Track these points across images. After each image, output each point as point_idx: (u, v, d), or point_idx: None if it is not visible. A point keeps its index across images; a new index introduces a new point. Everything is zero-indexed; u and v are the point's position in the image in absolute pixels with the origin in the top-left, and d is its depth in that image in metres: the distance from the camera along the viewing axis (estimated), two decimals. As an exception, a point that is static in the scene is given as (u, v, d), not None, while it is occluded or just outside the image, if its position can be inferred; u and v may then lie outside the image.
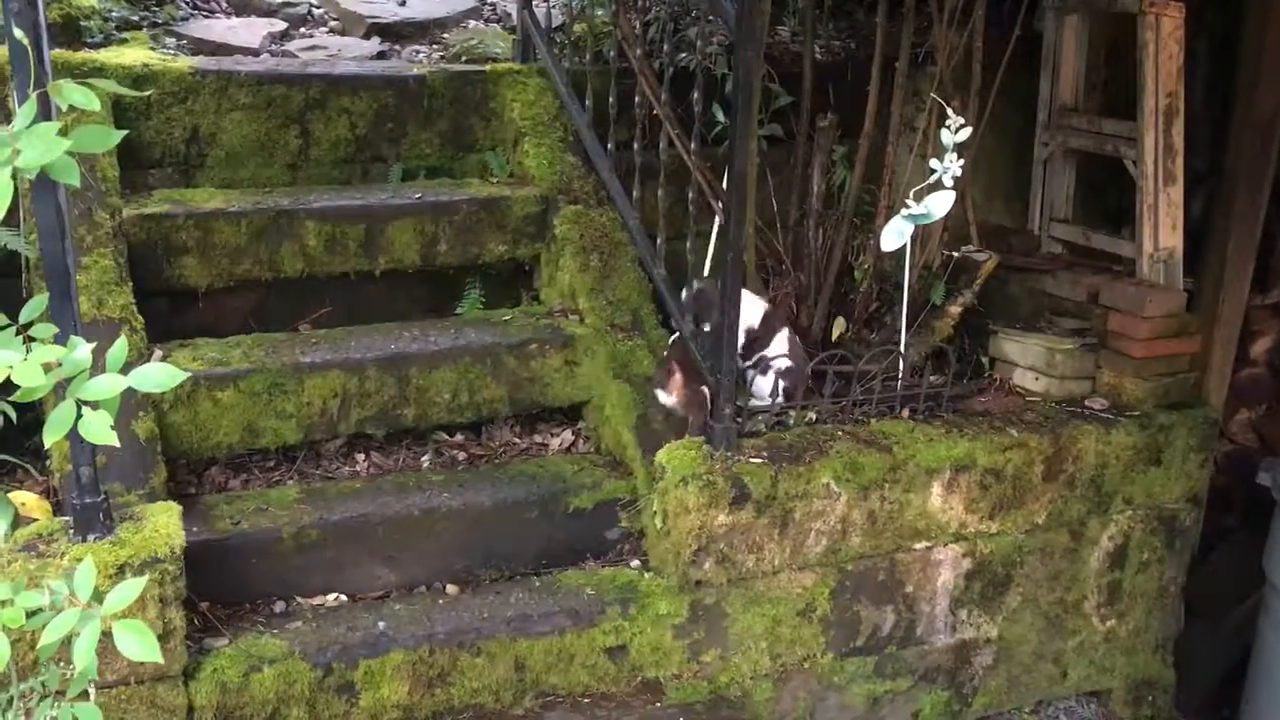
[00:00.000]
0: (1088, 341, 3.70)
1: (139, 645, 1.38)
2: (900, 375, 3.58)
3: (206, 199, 3.37)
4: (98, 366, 1.46)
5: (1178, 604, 3.82)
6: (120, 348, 1.42)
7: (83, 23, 3.75)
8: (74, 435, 2.37)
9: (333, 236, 3.44)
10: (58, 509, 2.77)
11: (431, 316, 3.61)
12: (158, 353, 3.08)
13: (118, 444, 1.44)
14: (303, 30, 4.60)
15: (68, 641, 1.47)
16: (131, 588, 1.44)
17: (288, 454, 3.30)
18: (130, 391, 2.87)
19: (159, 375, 1.43)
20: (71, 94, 1.41)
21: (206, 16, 4.46)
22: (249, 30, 4.29)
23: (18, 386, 1.41)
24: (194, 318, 3.40)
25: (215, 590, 2.89)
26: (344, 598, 3.06)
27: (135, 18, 4.10)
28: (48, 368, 1.38)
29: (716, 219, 3.54)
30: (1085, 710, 3.77)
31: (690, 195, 3.47)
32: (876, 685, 3.47)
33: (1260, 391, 4.30)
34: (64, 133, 1.34)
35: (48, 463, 2.92)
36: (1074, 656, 3.72)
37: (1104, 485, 3.55)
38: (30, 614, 1.46)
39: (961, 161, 3.31)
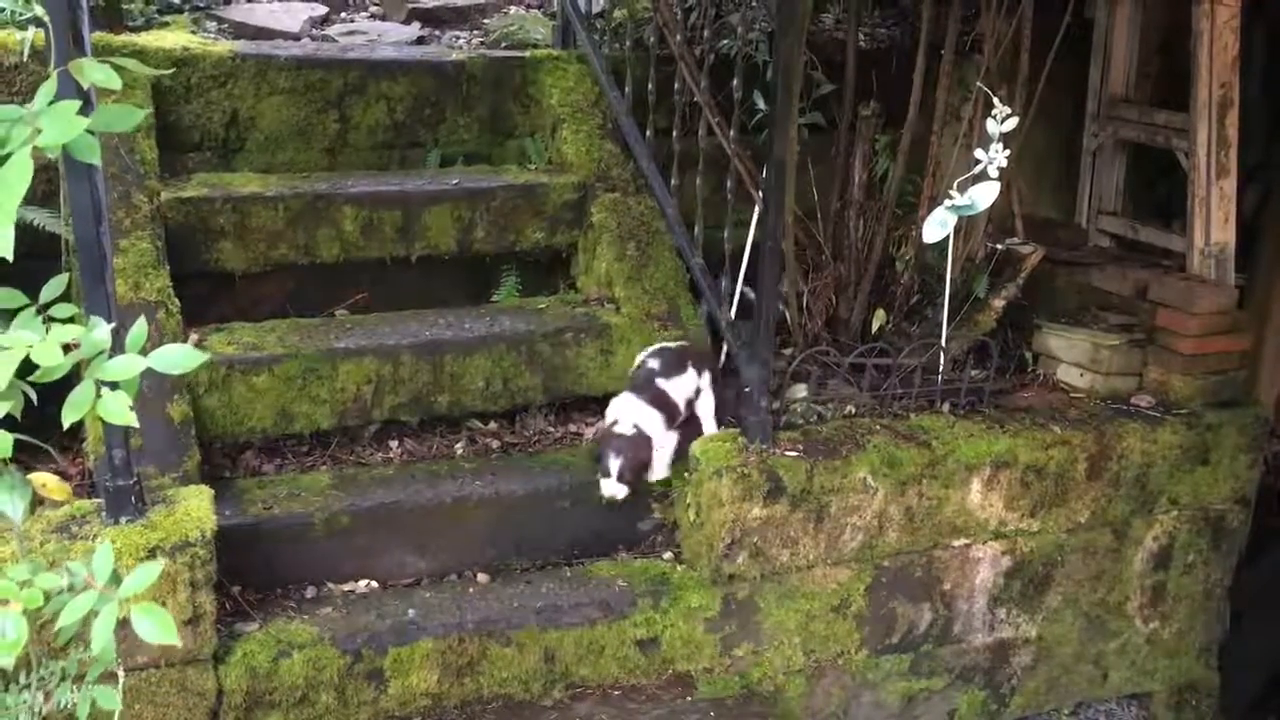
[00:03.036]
0: (1135, 337, 3.61)
1: (155, 628, 1.36)
2: (941, 369, 3.52)
3: (244, 183, 3.37)
4: (119, 348, 1.44)
5: (1223, 606, 3.74)
6: (140, 329, 1.41)
7: (125, 6, 3.76)
8: (106, 417, 2.39)
9: (369, 222, 3.43)
10: (92, 491, 2.78)
11: (467, 303, 3.59)
12: (193, 336, 3.08)
13: (136, 424, 1.43)
14: (343, 15, 4.60)
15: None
16: (150, 571, 1.43)
17: (321, 439, 3.30)
18: (163, 375, 2.90)
19: (178, 357, 1.42)
20: (92, 73, 1.40)
21: (249, 1, 4.47)
22: (289, 15, 4.29)
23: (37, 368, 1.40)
24: (230, 302, 3.40)
25: (246, 574, 2.89)
26: (374, 584, 3.06)
27: (178, 1, 4.12)
28: (67, 348, 1.37)
29: (756, 208, 3.50)
30: (1126, 714, 3.70)
31: (729, 184, 3.43)
32: (912, 683, 3.42)
33: (1313, 391, 4.19)
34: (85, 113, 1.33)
35: (83, 445, 2.93)
36: (1115, 658, 3.64)
37: (1149, 484, 3.47)
38: (50, 597, 1.45)
39: (1007, 152, 3.23)
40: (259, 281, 3.44)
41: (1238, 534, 3.68)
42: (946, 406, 3.46)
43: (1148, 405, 3.53)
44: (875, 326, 3.74)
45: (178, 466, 2.82)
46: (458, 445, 3.42)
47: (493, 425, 3.53)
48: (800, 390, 3.46)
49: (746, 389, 3.17)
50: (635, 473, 3.10)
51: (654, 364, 3.22)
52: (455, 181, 3.58)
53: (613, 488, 3.08)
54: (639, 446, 3.11)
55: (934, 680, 3.45)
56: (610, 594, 3.06)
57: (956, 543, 3.33)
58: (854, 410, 3.41)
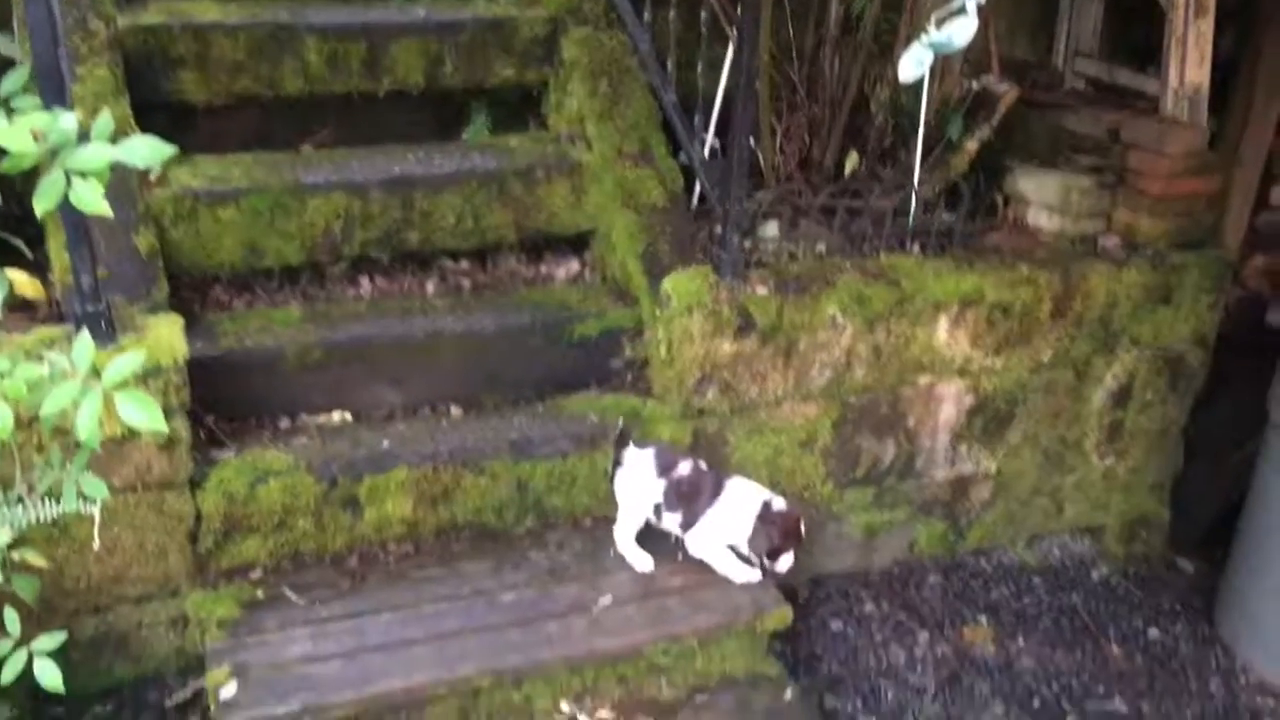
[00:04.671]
0: (1105, 179, 3.63)
1: (142, 414, 1.38)
2: (912, 210, 3.53)
3: (204, 10, 3.26)
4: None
5: (1178, 445, 3.84)
6: (105, 119, 1.38)
7: None
8: (73, 240, 2.38)
9: (334, 54, 3.35)
10: (60, 320, 2.77)
11: (436, 141, 3.53)
12: (156, 167, 3.02)
13: (110, 213, 1.41)
14: None
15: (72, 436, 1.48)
16: (130, 360, 1.44)
17: (291, 276, 3.28)
18: (131, 205, 2.85)
19: (146, 148, 1.40)
20: None
21: None
22: None
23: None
24: (194, 136, 3.32)
25: (220, 405, 2.91)
26: (349, 417, 3.09)
27: None
28: (35, 138, 1.34)
29: (730, 45, 3.44)
30: (1079, 545, 3.83)
31: (703, 19, 3.37)
32: (875, 516, 3.52)
33: (1277, 237, 4.21)
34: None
35: (50, 275, 2.90)
36: (1071, 493, 3.76)
37: (1112, 324, 3.53)
38: (32, 389, 1.46)
39: (985, -14, 3.18)
40: (222, 116, 3.36)
41: (1196, 374, 3.75)
42: (916, 247, 3.49)
43: (1114, 246, 3.57)
44: (848, 168, 3.73)
45: (147, 298, 2.80)
46: (429, 283, 3.42)
47: (464, 264, 3.52)
48: (772, 229, 3.47)
49: (719, 227, 3.17)
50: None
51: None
52: (422, 14, 3.48)
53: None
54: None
55: (896, 513, 3.55)
56: (582, 427, 3.11)
57: (922, 380, 3.39)
58: (825, 250, 3.43)
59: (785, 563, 2.95)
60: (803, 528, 2.95)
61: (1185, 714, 3.21)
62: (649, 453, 2.95)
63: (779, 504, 2.92)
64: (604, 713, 2.76)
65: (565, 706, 2.75)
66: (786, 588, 3.12)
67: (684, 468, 2.93)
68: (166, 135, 3.17)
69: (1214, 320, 3.69)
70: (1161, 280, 3.53)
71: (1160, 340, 3.62)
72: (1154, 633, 3.51)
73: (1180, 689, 3.30)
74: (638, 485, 2.95)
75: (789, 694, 2.88)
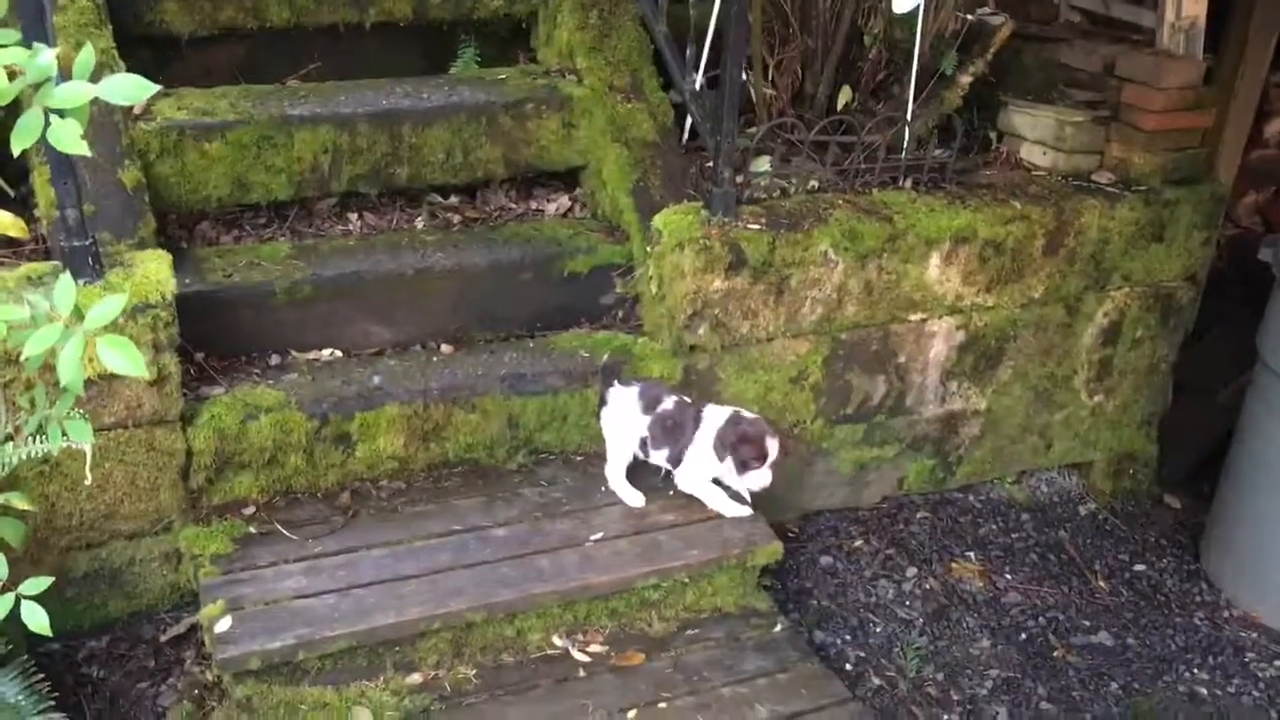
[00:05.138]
0: (1099, 114, 3.59)
1: (123, 359, 1.37)
2: (905, 146, 3.50)
3: (186, -61, 3.20)
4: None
5: (1167, 382, 3.86)
6: (87, 54, 1.35)
7: None
8: (57, 175, 2.35)
9: (320, -16, 3.29)
10: (46, 256, 2.75)
11: (425, 75, 3.48)
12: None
13: (88, 152, 1.39)
14: None
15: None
16: (113, 305, 1.42)
17: (279, 211, 3.26)
18: (115, 139, 2.81)
19: (128, 86, 1.37)
20: None
21: None
22: None
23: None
24: (179, 69, 3.29)
25: (210, 342, 2.90)
26: (339, 353, 3.09)
27: None
28: (11, 74, 1.32)
29: (722, -25, 3.39)
30: (1066, 481, 3.86)
31: (695, -52, 3.31)
32: (864, 452, 3.54)
33: (1270, 174, 4.21)
34: None
35: (35, 212, 2.87)
36: (1059, 429, 3.78)
37: (1104, 261, 3.52)
38: (13, 329, 1.45)
39: (983, -85, 3.13)
40: (207, 48, 3.32)
41: (1186, 312, 3.76)
42: (909, 183, 3.46)
43: (1108, 182, 3.54)
44: (841, 103, 3.68)
45: (133, 233, 2.78)
46: (418, 219, 3.40)
47: (453, 199, 3.49)
48: (764, 164, 3.44)
49: (710, 163, 3.15)
50: None
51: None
52: (409, -57, 3.42)
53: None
54: None
55: (885, 449, 3.57)
56: (573, 364, 3.11)
57: (913, 317, 3.39)
58: (817, 185, 3.40)
59: (758, 479, 2.92)
60: (770, 439, 2.89)
61: (1170, 647, 3.25)
62: (633, 390, 2.95)
63: (747, 415, 2.93)
64: (596, 646, 2.79)
65: (557, 640, 2.78)
66: (777, 524, 3.15)
67: (668, 403, 2.94)
68: (150, 68, 3.17)
69: (1206, 257, 3.69)
70: (1154, 216, 3.52)
71: (1152, 277, 3.62)
72: (1140, 567, 3.56)
73: (1165, 622, 3.34)
74: (623, 422, 2.96)
75: (779, 627, 2.92)
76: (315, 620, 2.51)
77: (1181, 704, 3.06)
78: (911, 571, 3.39)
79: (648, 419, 2.94)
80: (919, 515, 3.62)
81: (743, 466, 2.90)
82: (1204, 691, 3.10)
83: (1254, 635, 3.32)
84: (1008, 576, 3.43)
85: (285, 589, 2.59)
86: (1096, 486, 3.86)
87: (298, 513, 2.84)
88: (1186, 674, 3.16)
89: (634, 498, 2.99)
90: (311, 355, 3.05)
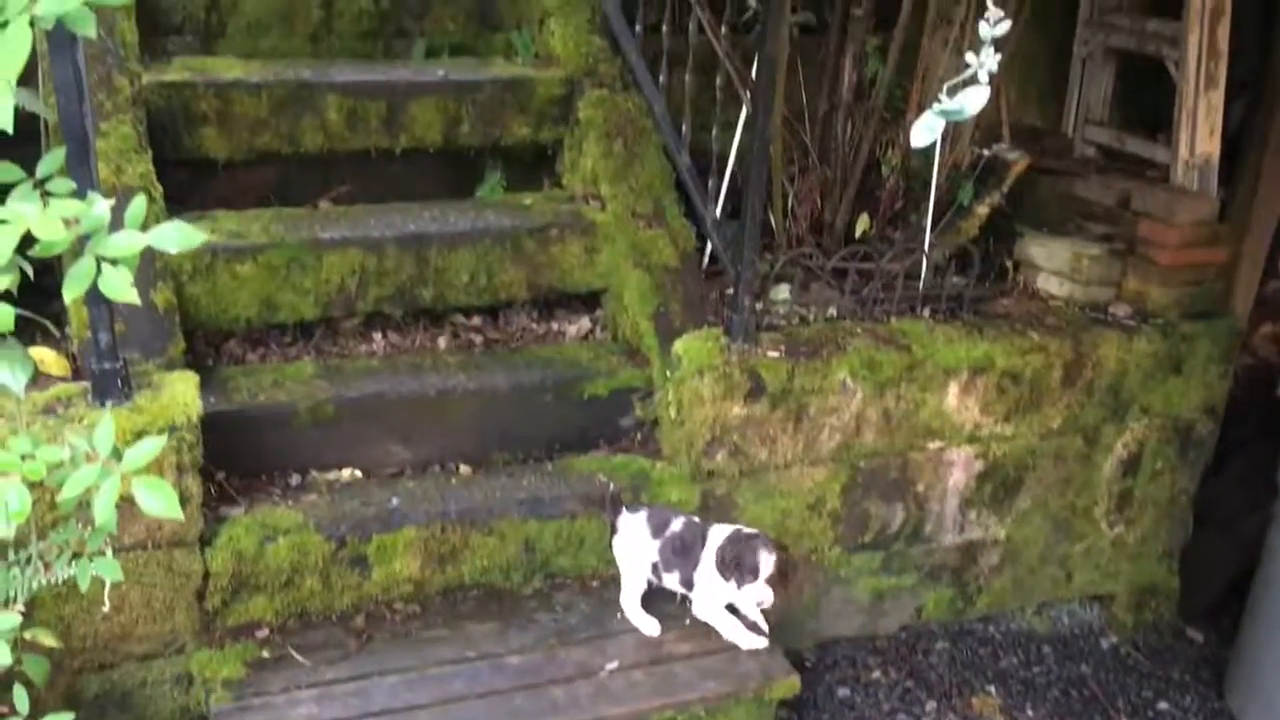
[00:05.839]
0: (1115, 247, 3.64)
1: (159, 501, 1.39)
2: (923, 275, 3.54)
3: (227, 68, 3.30)
4: (116, 225, 1.43)
5: (1187, 514, 3.83)
6: (139, 205, 1.40)
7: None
8: (93, 299, 2.39)
9: (354, 111, 3.38)
10: (76, 375, 2.78)
11: (452, 198, 3.56)
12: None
13: (138, 301, 1.43)
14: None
15: (86, 503, 1.49)
16: (152, 445, 1.45)
17: (305, 331, 3.30)
18: (149, 261, 2.87)
19: (177, 235, 1.41)
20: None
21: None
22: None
23: (35, 243, 1.39)
24: (214, 190, 3.36)
25: (231, 461, 2.91)
26: (358, 474, 3.09)
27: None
28: (66, 224, 1.36)
29: (744, 109, 3.48)
30: (1087, 613, 3.81)
31: (718, 83, 3.40)
32: (882, 580, 3.51)
33: (1286, 306, 4.24)
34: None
35: (67, 329, 2.92)
36: (1080, 561, 3.74)
37: (1122, 392, 3.53)
38: (51, 470, 1.47)
39: (998, 57, 3.19)
40: (242, 171, 3.40)
41: (1205, 443, 3.75)
42: (927, 312, 3.50)
43: (1125, 315, 3.58)
44: (859, 231, 3.75)
45: (162, 353, 2.81)
46: (441, 339, 3.44)
47: (476, 320, 3.54)
48: (783, 292, 3.48)
49: (730, 289, 3.19)
50: None
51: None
52: (442, 73, 3.52)
53: None
54: None
55: (904, 578, 3.54)
56: (591, 487, 3.11)
57: (931, 445, 3.39)
58: (836, 313, 3.44)
59: (755, 594, 2.86)
60: (765, 552, 2.83)
61: (1195, 790, 3.18)
62: (641, 515, 2.95)
63: (747, 530, 2.91)
64: (609, 780, 2.74)
65: (570, 773, 2.72)
66: (793, 652, 3.11)
67: (676, 525, 2.93)
68: (187, 189, 3.26)
69: (1224, 389, 3.69)
70: (1172, 349, 3.54)
71: (1171, 409, 3.62)
72: (1163, 705, 3.49)
73: (1189, 763, 3.27)
74: (634, 549, 2.95)
75: (795, 763, 2.86)
76: (326, 750, 2.48)
77: None
78: (931, 706, 3.33)
79: (657, 543, 2.93)
80: (938, 646, 3.57)
81: (739, 581, 2.86)
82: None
83: (1283, 779, 3.24)
84: (1029, 712, 3.37)
85: (297, 716, 2.56)
86: (1118, 619, 3.81)
87: (312, 636, 2.81)
88: (1214, 820, 3.08)
89: (649, 626, 2.96)
90: (332, 475, 3.06)
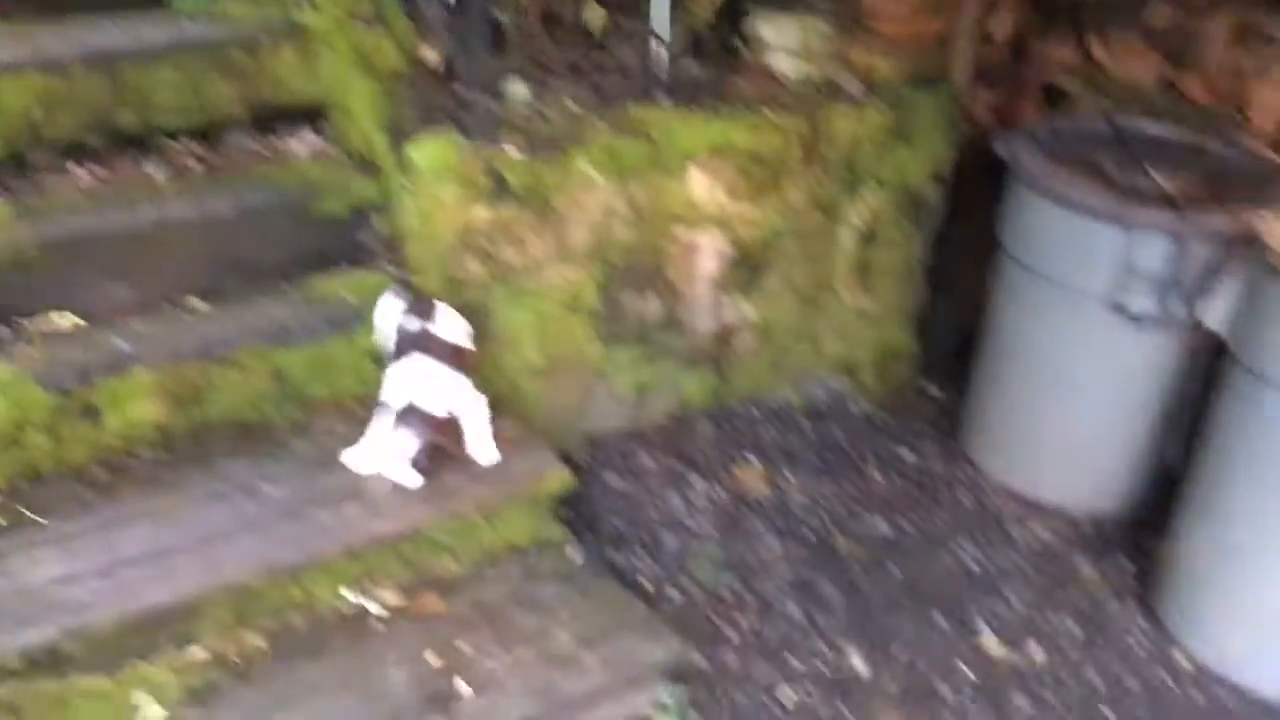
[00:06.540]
0: (842, 22, 3.67)
1: None
2: (660, 62, 3.48)
3: None
4: None
5: (921, 279, 4.03)
6: None
7: None
8: None
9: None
10: None
11: (140, 8, 3.22)
12: None
13: None
14: None
15: None
16: None
17: (-12, 170, 2.96)
18: None
19: None
20: None
21: None
22: None
23: None
24: None
25: (-75, 318, 2.62)
26: (80, 321, 2.85)
27: None
28: None
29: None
30: (838, 383, 4.00)
31: None
32: (644, 372, 3.55)
33: (1001, 73, 4.41)
34: None
35: None
36: (828, 334, 3.89)
37: (856, 166, 3.62)
38: None
39: None
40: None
41: (934, 210, 3.93)
42: (666, 99, 3.45)
43: (855, 89, 3.64)
44: (594, 24, 3.63)
45: None
46: (154, 169, 3.15)
47: (193, 146, 3.26)
48: (521, 90, 3.35)
49: (463, 89, 3.05)
50: None
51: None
52: None
53: None
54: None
55: (664, 367, 3.60)
56: (337, 309, 2.98)
57: (681, 233, 3.41)
58: (575, 108, 3.35)
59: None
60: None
61: (939, 524, 3.45)
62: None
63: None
64: (390, 595, 2.71)
65: (349, 594, 2.68)
66: (565, 454, 3.13)
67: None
68: None
69: (949, 157, 3.84)
70: (900, 120, 3.64)
71: (902, 179, 3.75)
72: (908, 455, 3.74)
73: (934, 503, 3.53)
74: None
75: (575, 555, 2.92)
76: (78, 608, 2.34)
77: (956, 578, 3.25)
78: (699, 482, 3.45)
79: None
80: (701, 428, 3.68)
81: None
82: (976, 567, 3.30)
83: (1012, 505, 3.55)
84: (790, 478, 3.54)
85: (40, 578, 2.39)
86: (866, 384, 4.02)
87: (46, 495, 2.61)
88: (959, 550, 3.35)
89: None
90: (47, 325, 2.80)
